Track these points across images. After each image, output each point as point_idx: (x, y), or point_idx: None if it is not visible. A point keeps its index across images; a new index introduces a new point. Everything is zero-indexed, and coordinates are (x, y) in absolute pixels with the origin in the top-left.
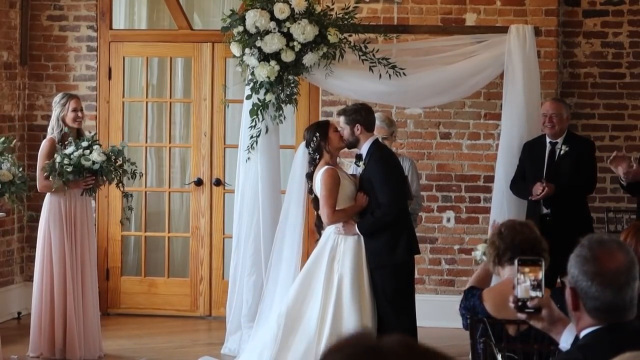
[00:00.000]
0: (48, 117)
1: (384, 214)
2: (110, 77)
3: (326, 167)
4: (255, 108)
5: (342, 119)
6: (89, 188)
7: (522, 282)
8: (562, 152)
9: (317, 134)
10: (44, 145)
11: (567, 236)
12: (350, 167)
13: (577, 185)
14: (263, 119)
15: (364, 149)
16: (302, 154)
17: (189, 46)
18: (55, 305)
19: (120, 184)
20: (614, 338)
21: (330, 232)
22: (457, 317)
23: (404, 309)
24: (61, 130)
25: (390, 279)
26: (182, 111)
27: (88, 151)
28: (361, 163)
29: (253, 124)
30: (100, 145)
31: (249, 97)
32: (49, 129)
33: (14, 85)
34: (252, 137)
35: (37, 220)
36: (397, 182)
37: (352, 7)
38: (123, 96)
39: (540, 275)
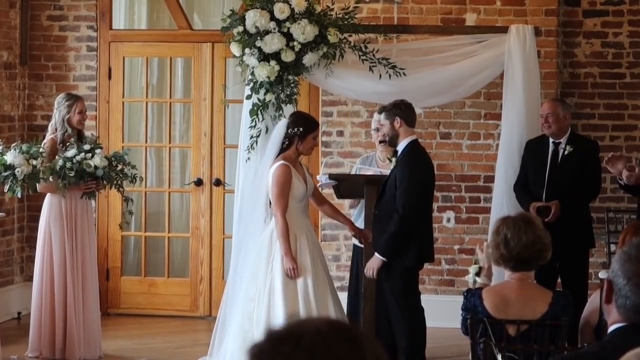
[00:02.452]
0: (48, 117)
1: (398, 225)
2: (110, 77)
3: (282, 162)
4: (255, 108)
5: (382, 115)
6: (89, 192)
7: None
8: (566, 152)
9: (301, 129)
10: (44, 146)
11: (566, 237)
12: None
13: (581, 193)
14: (263, 119)
15: (400, 146)
16: (282, 127)
17: (189, 46)
18: (56, 305)
19: (121, 188)
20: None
21: (270, 228)
22: (457, 317)
23: (412, 308)
24: (65, 132)
25: (398, 279)
26: (182, 111)
27: (90, 155)
28: (393, 159)
29: (253, 124)
30: (102, 148)
31: (249, 97)
32: (50, 129)
33: (14, 85)
34: (252, 137)
35: (37, 220)
36: (418, 190)
37: (352, 7)
38: (123, 96)
39: None
